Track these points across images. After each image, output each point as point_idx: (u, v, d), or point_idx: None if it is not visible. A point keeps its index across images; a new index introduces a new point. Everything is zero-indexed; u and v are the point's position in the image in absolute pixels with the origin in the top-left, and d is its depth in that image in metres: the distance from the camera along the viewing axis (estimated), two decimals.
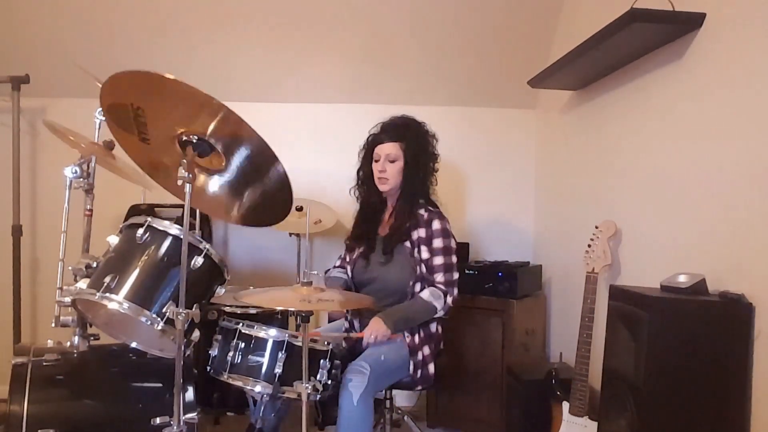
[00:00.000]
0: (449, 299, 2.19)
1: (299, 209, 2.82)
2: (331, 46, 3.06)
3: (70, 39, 2.96)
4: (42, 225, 3.20)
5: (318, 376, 1.90)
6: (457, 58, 3.10)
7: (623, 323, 1.80)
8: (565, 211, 2.92)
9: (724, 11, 1.77)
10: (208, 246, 1.74)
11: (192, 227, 2.06)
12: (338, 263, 2.48)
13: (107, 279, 1.64)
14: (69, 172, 1.90)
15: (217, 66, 3.08)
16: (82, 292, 1.67)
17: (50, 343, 1.89)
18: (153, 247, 1.70)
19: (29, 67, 2.95)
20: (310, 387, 1.72)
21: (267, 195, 1.74)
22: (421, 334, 2.21)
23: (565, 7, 2.89)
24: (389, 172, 2.26)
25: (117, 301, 1.62)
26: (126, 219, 1.91)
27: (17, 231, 3.00)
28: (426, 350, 2.21)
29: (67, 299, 1.74)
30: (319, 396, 1.90)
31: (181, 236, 1.62)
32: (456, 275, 2.23)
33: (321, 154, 3.28)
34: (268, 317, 2.35)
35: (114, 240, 1.77)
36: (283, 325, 2.44)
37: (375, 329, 2.07)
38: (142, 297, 1.64)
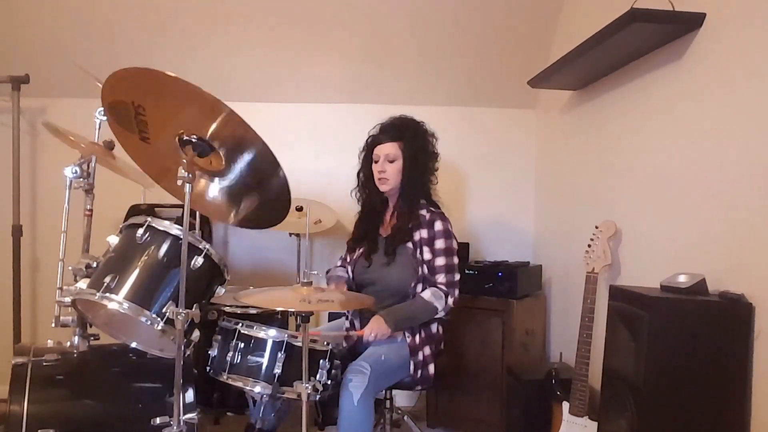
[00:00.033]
0: (450, 300, 2.19)
1: (299, 209, 2.82)
2: (331, 46, 3.06)
3: (70, 39, 2.96)
4: (42, 225, 3.20)
5: (317, 377, 1.90)
6: (457, 58, 3.10)
7: (623, 323, 1.80)
8: (565, 211, 2.92)
9: (724, 11, 1.77)
10: (208, 246, 1.74)
11: (192, 227, 2.06)
12: (339, 263, 2.48)
13: (107, 279, 1.64)
14: (69, 172, 1.90)
15: (217, 66, 3.08)
16: (82, 292, 1.67)
17: (50, 343, 1.89)
18: (153, 247, 1.70)
19: (29, 67, 2.95)
20: (309, 387, 1.72)
21: (265, 201, 1.74)
22: (422, 334, 2.21)
23: (565, 7, 2.89)
24: (389, 172, 2.26)
25: (117, 301, 1.62)
26: (126, 219, 1.91)
27: (17, 231, 3.00)
28: (427, 350, 2.21)
29: (67, 299, 1.74)
30: (318, 396, 1.90)
31: (181, 236, 1.62)
32: (457, 276, 2.23)
33: (321, 154, 3.28)
34: (268, 317, 2.35)
35: (114, 240, 1.77)
36: (283, 325, 2.44)
37: (375, 327, 2.07)
38: (142, 297, 1.64)
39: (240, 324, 1.95)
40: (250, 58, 3.09)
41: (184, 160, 1.52)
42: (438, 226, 2.23)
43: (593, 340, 2.09)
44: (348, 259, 2.42)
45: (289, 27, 2.98)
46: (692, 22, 1.87)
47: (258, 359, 1.90)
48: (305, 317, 1.71)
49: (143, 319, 1.63)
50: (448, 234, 2.24)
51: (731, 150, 1.73)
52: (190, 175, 1.52)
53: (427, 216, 2.25)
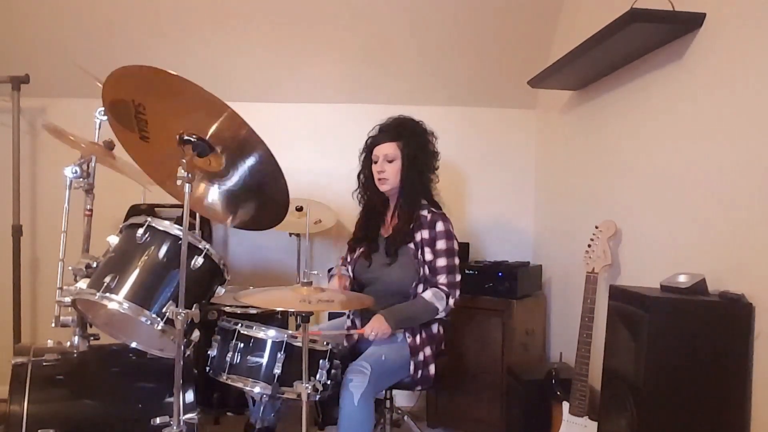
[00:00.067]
0: (451, 301, 2.19)
1: (299, 209, 2.82)
2: (331, 46, 3.06)
3: (70, 39, 2.96)
4: (42, 225, 3.20)
5: (317, 377, 1.90)
6: (457, 58, 3.10)
7: (623, 323, 1.80)
8: (565, 211, 2.92)
9: (724, 11, 1.77)
10: (207, 246, 1.74)
11: (192, 227, 2.06)
12: (339, 263, 2.48)
13: (107, 279, 1.64)
14: (69, 172, 1.90)
15: (217, 66, 3.08)
16: (82, 292, 1.67)
17: (50, 343, 1.90)
18: (153, 247, 1.71)
19: (29, 67, 2.95)
20: (309, 387, 1.72)
21: (264, 204, 1.74)
22: (423, 334, 2.21)
23: (565, 7, 2.89)
24: (388, 172, 2.26)
25: (117, 301, 1.63)
26: (126, 219, 1.91)
27: (17, 231, 3.00)
28: (427, 351, 2.21)
29: (67, 299, 1.74)
30: (318, 396, 1.90)
31: (181, 236, 1.62)
32: (458, 277, 2.23)
33: (321, 154, 3.28)
34: (268, 317, 2.35)
35: (114, 240, 1.78)
36: (283, 325, 2.44)
37: (376, 326, 2.07)
38: (142, 297, 1.64)
39: (239, 324, 1.95)
40: (250, 58, 3.09)
41: (184, 160, 1.52)
42: (439, 226, 2.23)
43: (593, 340, 2.09)
44: (348, 259, 2.42)
45: (289, 27, 2.98)
46: (692, 22, 1.87)
47: (258, 359, 1.89)
48: (305, 317, 1.71)
49: (143, 319, 1.64)
50: (449, 235, 2.24)
51: (731, 150, 1.73)
52: (190, 175, 1.52)
53: (429, 217, 2.25)
